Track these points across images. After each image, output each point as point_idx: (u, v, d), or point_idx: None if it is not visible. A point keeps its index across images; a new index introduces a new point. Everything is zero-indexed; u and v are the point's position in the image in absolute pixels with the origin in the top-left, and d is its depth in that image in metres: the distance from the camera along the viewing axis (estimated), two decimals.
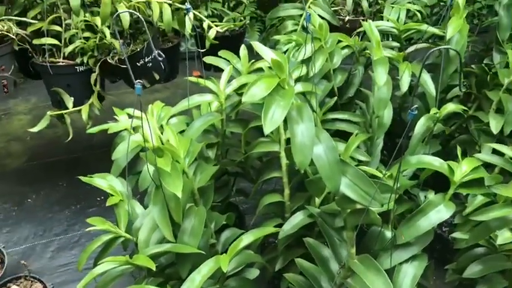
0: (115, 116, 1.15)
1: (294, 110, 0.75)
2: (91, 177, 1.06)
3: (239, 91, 1.09)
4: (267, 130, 0.69)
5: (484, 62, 1.39)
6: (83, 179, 1.04)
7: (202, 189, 0.93)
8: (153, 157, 0.82)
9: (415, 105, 0.64)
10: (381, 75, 1.00)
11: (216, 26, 1.32)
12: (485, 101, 1.32)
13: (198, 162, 0.99)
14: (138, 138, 0.87)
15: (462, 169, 0.87)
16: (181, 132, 1.08)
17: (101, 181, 1.05)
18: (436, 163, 0.88)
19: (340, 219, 0.87)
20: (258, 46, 0.80)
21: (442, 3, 1.77)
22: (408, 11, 1.45)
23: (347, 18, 1.51)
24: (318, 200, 0.97)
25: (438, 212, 0.84)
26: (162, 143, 0.91)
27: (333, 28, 1.24)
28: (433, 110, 1.08)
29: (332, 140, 0.78)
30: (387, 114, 1.09)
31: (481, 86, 1.35)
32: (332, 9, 1.49)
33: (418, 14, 1.43)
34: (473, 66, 1.43)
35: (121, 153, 1.07)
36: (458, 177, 0.86)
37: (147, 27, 1.33)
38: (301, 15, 1.48)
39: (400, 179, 0.95)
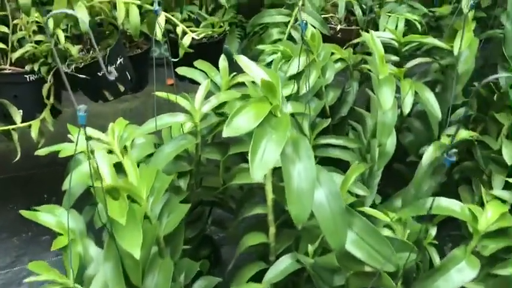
0: (69, 135, 0.97)
1: (289, 145, 0.59)
2: (35, 210, 0.89)
3: (218, 110, 0.92)
4: (256, 175, 0.52)
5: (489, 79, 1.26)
6: (24, 213, 0.86)
7: (170, 235, 0.76)
8: (106, 197, 0.64)
9: (454, 150, 0.49)
10: (386, 98, 0.85)
11: (192, 31, 1.15)
12: (493, 123, 1.18)
13: (167, 198, 0.81)
14: (86, 170, 0.69)
15: (487, 215, 0.72)
16: (149, 156, 0.91)
17: (47, 217, 0.87)
18: (456, 207, 0.73)
19: (340, 278, 0.70)
20: (243, 61, 0.63)
21: (431, 13, 1.64)
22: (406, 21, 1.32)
23: (339, 27, 1.35)
24: (311, 247, 0.81)
25: (460, 271, 0.68)
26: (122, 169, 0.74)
27: (323, 38, 1.09)
28: (444, 139, 0.93)
29: (335, 181, 0.62)
30: (390, 142, 0.94)
31: (487, 107, 1.22)
32: (322, 16, 1.34)
33: (418, 25, 1.29)
34: (475, 84, 1.30)
35: (72, 182, 0.89)
36: (483, 226, 0.71)
37: (111, 30, 1.16)
38: (287, 23, 1.33)
39: (410, 223, 0.79)
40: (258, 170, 0.52)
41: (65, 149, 0.95)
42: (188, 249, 0.93)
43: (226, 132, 0.54)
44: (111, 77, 0.53)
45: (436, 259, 0.88)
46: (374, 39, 0.93)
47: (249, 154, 0.53)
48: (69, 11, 0.49)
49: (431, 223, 0.83)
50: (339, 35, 1.34)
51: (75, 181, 0.83)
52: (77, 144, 0.63)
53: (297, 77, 0.97)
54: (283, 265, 0.87)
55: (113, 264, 0.64)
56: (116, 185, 0.63)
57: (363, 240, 0.60)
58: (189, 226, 1.03)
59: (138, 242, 0.58)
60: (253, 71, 0.63)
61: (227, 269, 0.99)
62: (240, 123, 0.54)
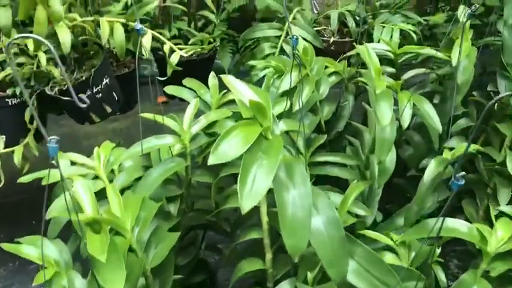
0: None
1: (282, 169, 0.54)
2: (19, 242, 0.84)
3: (208, 130, 0.88)
4: (246, 206, 0.48)
5: (488, 89, 1.22)
6: (6, 247, 0.81)
7: (159, 267, 0.71)
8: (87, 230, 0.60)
9: (462, 173, 0.44)
10: (384, 113, 0.81)
11: (181, 49, 1.11)
12: (494, 134, 1.14)
13: (155, 225, 0.76)
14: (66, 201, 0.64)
15: (497, 236, 0.67)
16: (138, 179, 0.87)
17: (30, 250, 0.82)
18: (463, 228, 0.68)
19: None
20: (231, 81, 0.59)
21: (425, 22, 1.61)
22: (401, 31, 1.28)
23: (332, 39, 1.32)
24: (310, 274, 0.76)
25: None
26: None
27: (316, 51, 1.05)
28: (446, 153, 0.89)
29: (333, 207, 0.58)
30: (390, 159, 0.89)
31: (488, 117, 1.18)
32: (314, 29, 1.31)
33: (413, 35, 1.26)
34: (474, 93, 1.26)
35: (56, 212, 0.84)
36: (493, 247, 0.66)
37: (96, 50, 1.12)
38: (279, 37, 1.29)
39: (414, 243, 0.74)
40: (248, 201, 0.48)
41: (47, 176, 0.91)
42: (182, 275, 0.88)
43: (212, 159, 0.49)
44: (83, 105, 0.48)
45: (442, 277, 0.84)
46: (369, 52, 0.89)
47: (238, 182, 0.49)
48: (38, 37, 0.45)
49: (436, 243, 0.79)
50: (332, 48, 1.31)
51: (55, 212, 0.79)
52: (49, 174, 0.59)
53: (289, 92, 0.93)
54: None
55: None
56: (97, 217, 0.58)
57: (365, 269, 0.56)
58: (182, 252, 0.98)
59: (121, 281, 0.53)
60: (240, 91, 0.58)
61: None
62: (227, 149, 0.50)
